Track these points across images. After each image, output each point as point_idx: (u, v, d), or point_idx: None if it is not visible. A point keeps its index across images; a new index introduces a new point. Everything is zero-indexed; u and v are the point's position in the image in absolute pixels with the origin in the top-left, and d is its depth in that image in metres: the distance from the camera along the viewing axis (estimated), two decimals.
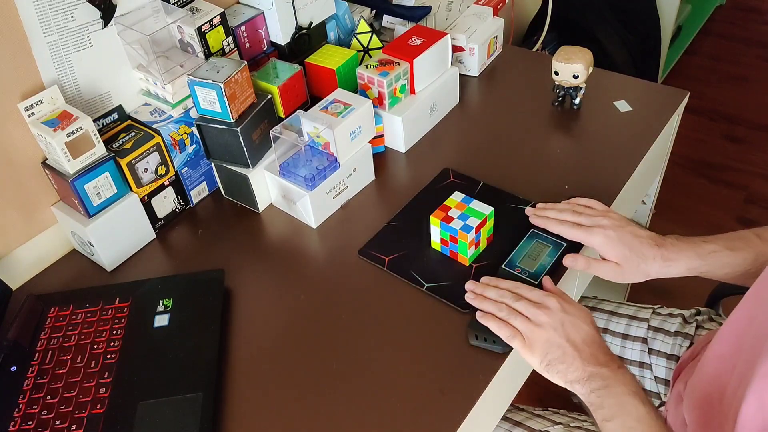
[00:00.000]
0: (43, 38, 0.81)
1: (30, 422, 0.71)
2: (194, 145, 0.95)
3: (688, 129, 2.21)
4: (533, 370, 0.89)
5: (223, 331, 0.80)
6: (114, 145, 0.88)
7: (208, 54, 0.93)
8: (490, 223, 0.85)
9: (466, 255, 0.83)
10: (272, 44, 1.06)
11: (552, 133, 1.06)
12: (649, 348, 0.95)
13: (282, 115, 1.00)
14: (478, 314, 0.75)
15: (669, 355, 0.93)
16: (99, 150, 0.85)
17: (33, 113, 0.82)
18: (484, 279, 0.79)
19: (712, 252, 0.76)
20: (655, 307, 1.02)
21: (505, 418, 0.92)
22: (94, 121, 0.87)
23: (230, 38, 0.96)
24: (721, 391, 0.65)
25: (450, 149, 1.05)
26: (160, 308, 0.82)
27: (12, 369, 0.76)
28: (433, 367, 0.74)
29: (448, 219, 0.83)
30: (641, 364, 0.95)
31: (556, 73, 1.05)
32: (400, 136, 1.04)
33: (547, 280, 0.78)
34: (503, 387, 0.80)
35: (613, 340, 0.98)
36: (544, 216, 0.84)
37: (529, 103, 1.12)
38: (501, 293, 0.75)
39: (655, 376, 0.94)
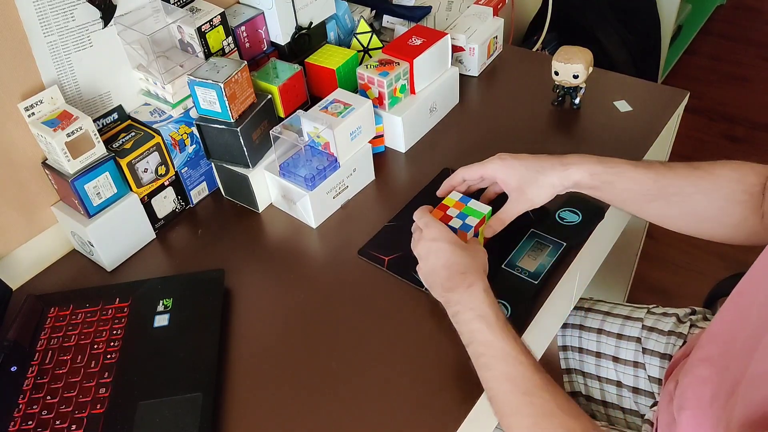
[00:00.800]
0: (43, 38, 0.81)
1: (30, 422, 0.71)
2: (194, 145, 0.95)
3: (688, 129, 2.21)
4: None
5: (223, 331, 0.80)
6: (114, 145, 0.88)
7: (208, 54, 0.93)
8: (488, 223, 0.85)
9: None
10: (272, 44, 1.06)
11: (552, 133, 1.06)
12: (643, 347, 0.95)
13: (282, 115, 1.00)
14: None
15: (662, 355, 0.93)
16: (99, 150, 0.85)
17: (33, 113, 0.82)
18: None
19: (615, 163, 0.75)
20: (650, 306, 1.02)
21: None
22: (94, 121, 0.87)
23: (230, 38, 0.96)
24: (712, 394, 0.65)
25: (450, 149, 1.05)
26: (160, 308, 0.82)
27: (12, 369, 0.76)
28: (433, 366, 0.74)
29: (446, 218, 0.82)
30: (635, 364, 0.95)
31: (556, 73, 1.05)
32: (400, 136, 1.04)
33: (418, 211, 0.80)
34: None
35: (608, 340, 0.98)
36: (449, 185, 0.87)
37: (529, 103, 1.12)
38: None
39: (648, 376, 0.94)
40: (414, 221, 0.80)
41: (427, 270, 0.74)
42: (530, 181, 0.75)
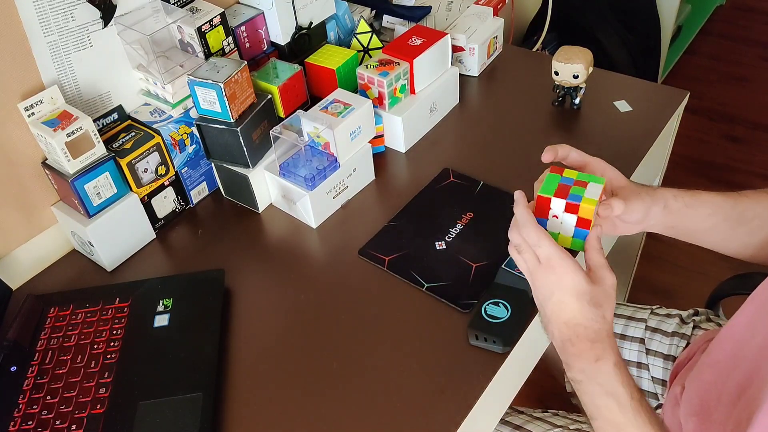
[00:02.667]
0: (43, 38, 0.81)
1: (30, 422, 0.71)
2: (194, 145, 0.95)
3: (688, 129, 2.21)
4: (533, 371, 0.90)
5: (223, 331, 0.80)
6: (114, 145, 0.88)
7: (208, 54, 0.93)
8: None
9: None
10: (272, 44, 1.06)
11: (552, 133, 1.06)
12: (646, 348, 0.95)
13: (282, 115, 1.00)
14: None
15: (666, 356, 0.93)
16: (99, 150, 0.85)
17: (33, 113, 0.82)
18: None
19: (689, 189, 0.71)
20: (654, 307, 1.02)
21: (504, 422, 0.92)
22: (94, 121, 0.87)
23: (230, 38, 0.96)
24: (717, 398, 0.65)
25: (450, 149, 1.05)
26: (160, 308, 0.82)
27: (12, 369, 0.76)
28: (433, 367, 0.74)
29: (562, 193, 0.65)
30: (639, 365, 0.95)
31: (556, 73, 1.05)
32: (400, 136, 1.04)
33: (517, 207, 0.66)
34: (503, 387, 0.80)
35: None
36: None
37: (529, 103, 1.12)
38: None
39: (652, 377, 0.94)
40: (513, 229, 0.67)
41: (545, 313, 0.64)
42: (635, 188, 0.69)
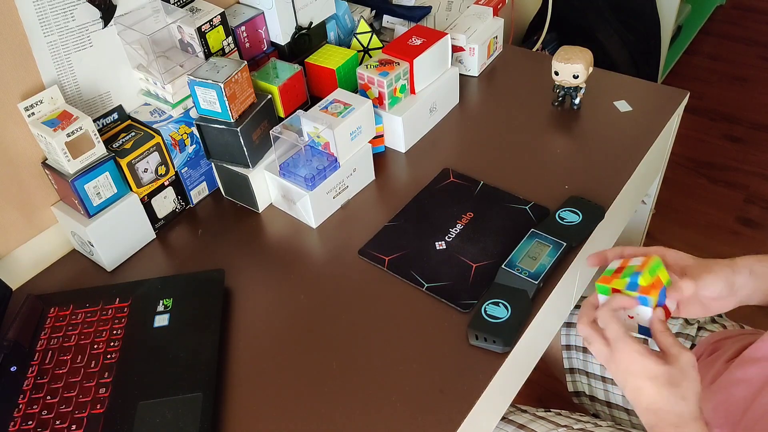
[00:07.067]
0: (43, 38, 0.81)
1: (30, 422, 0.71)
2: (194, 145, 0.95)
3: (688, 129, 2.21)
4: (533, 370, 0.90)
5: (223, 331, 0.80)
6: (114, 145, 0.88)
7: (208, 54, 0.93)
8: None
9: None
10: (272, 44, 1.06)
11: (552, 133, 1.06)
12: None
13: (282, 115, 1.00)
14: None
15: None
16: (99, 150, 0.85)
17: (33, 113, 0.82)
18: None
19: (745, 263, 0.69)
20: None
21: (508, 420, 0.92)
22: (94, 121, 0.87)
23: (230, 38, 0.96)
24: (744, 410, 0.65)
25: (450, 149, 1.05)
26: (160, 308, 0.82)
27: (12, 369, 0.76)
28: (433, 367, 0.74)
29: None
30: None
31: (556, 73, 1.05)
32: (400, 136, 1.04)
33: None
34: (503, 387, 0.80)
35: None
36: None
37: (529, 103, 1.12)
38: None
39: None
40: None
41: (628, 397, 0.64)
42: (705, 263, 0.68)
